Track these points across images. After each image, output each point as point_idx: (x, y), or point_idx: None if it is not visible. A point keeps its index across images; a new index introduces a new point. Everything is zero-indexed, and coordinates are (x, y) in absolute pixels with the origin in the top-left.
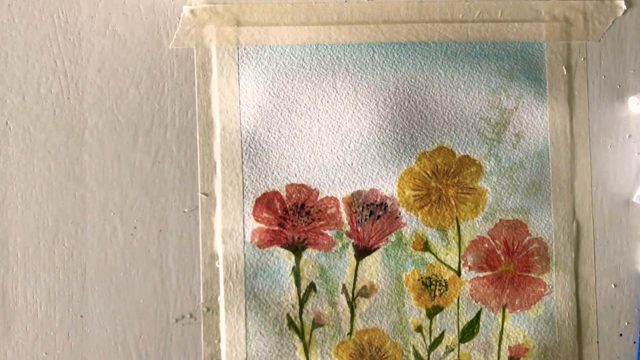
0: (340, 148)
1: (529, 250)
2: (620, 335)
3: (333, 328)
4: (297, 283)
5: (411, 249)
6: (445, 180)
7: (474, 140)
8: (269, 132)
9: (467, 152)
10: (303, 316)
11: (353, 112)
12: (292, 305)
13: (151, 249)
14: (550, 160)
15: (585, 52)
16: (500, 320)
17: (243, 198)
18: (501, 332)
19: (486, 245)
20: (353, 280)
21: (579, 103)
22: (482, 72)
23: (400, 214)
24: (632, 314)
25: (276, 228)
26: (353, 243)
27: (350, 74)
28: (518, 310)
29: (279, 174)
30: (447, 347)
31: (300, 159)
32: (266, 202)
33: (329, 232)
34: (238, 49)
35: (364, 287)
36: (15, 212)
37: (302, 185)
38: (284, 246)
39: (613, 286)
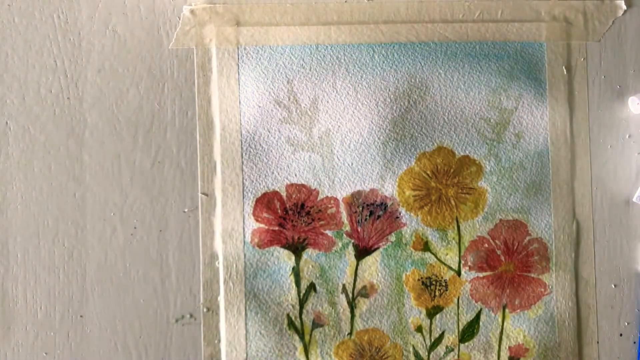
0: (340, 148)
1: (529, 250)
2: (620, 335)
3: (333, 328)
4: (297, 283)
5: (411, 249)
6: (445, 180)
7: (473, 140)
8: (269, 132)
9: (467, 152)
10: (303, 316)
11: (353, 112)
12: (292, 305)
13: (151, 249)
14: (550, 160)
15: (585, 52)
16: (500, 320)
17: (243, 198)
18: (501, 332)
19: (486, 245)
20: (353, 280)
21: (579, 103)
22: (482, 72)
23: (400, 214)
24: (632, 314)
25: (276, 228)
26: (353, 243)
27: (350, 74)
28: (518, 310)
29: (279, 174)
30: (447, 347)
31: (300, 159)
32: (266, 202)
33: (329, 232)
34: (238, 49)
35: (364, 287)
36: (15, 212)
37: (302, 185)
38: (284, 246)
39: (613, 286)
